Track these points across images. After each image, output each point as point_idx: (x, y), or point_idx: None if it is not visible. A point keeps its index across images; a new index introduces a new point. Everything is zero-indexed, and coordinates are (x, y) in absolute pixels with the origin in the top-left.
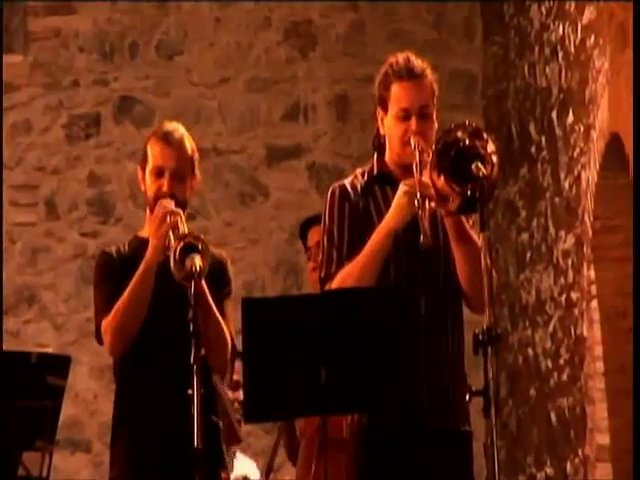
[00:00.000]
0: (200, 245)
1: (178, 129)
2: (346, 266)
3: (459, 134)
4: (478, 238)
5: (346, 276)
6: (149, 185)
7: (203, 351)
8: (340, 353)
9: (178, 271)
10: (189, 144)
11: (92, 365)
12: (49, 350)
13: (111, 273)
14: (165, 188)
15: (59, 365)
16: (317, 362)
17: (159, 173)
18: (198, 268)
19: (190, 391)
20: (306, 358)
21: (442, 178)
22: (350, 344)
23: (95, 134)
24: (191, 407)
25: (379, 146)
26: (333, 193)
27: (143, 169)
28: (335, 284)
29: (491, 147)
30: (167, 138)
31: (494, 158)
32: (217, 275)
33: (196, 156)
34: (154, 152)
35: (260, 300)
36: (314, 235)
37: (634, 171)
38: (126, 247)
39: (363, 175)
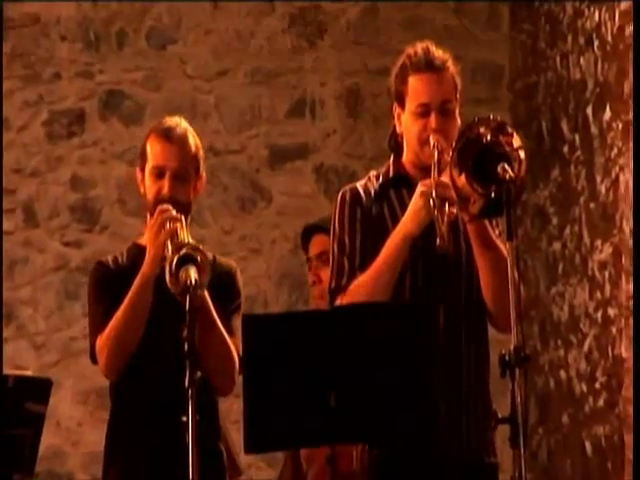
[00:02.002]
0: (199, 257)
1: (180, 124)
2: (358, 277)
3: (482, 129)
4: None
5: (359, 288)
6: (148, 187)
7: (199, 373)
8: (352, 375)
9: (174, 285)
10: (193, 141)
11: (76, 389)
12: (28, 373)
13: (107, 286)
14: (166, 190)
15: (39, 389)
16: (326, 385)
17: (159, 174)
18: (193, 281)
19: (185, 418)
20: (314, 381)
21: (463, 177)
22: (363, 365)
23: (79, 132)
24: (186, 435)
25: (396, 146)
26: (344, 197)
27: (142, 169)
28: (347, 297)
29: (517, 142)
30: (168, 134)
31: (521, 154)
32: (224, 287)
33: (201, 154)
34: (154, 150)
35: (262, 317)
36: (316, 245)
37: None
38: (124, 256)
39: (378, 178)
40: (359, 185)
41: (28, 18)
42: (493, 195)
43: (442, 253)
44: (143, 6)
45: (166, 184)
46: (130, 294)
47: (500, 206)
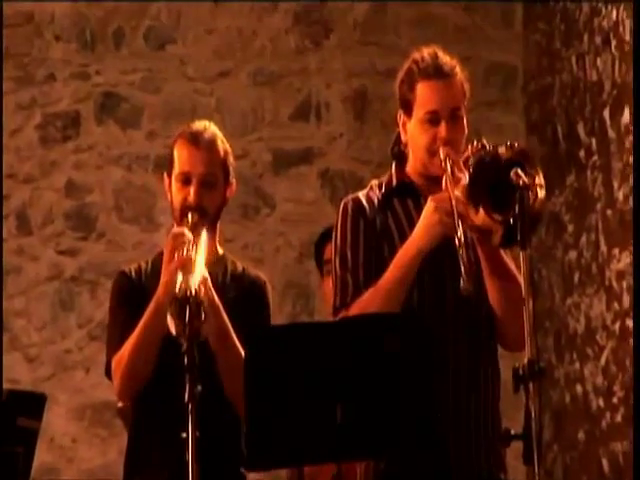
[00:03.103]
0: (196, 301)
1: (209, 129)
2: (365, 293)
3: (501, 150)
4: (513, 259)
5: (366, 304)
6: (175, 194)
7: (199, 388)
8: (359, 389)
9: (177, 331)
10: (222, 146)
11: (70, 404)
12: (20, 387)
13: (126, 298)
14: (192, 198)
15: (32, 404)
16: (332, 400)
17: (186, 180)
18: (193, 291)
19: (184, 434)
20: (319, 395)
21: (481, 211)
22: (370, 379)
23: (74, 136)
24: (187, 453)
25: (399, 155)
26: (345, 208)
27: (169, 175)
28: (352, 314)
29: (540, 179)
30: (195, 139)
31: (541, 193)
32: (251, 300)
33: (230, 160)
34: (180, 156)
35: (265, 328)
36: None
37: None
38: (148, 265)
39: (380, 187)
40: (361, 195)
41: (21, 17)
42: (512, 222)
43: (465, 295)
44: (141, 4)
45: (192, 191)
46: (144, 319)
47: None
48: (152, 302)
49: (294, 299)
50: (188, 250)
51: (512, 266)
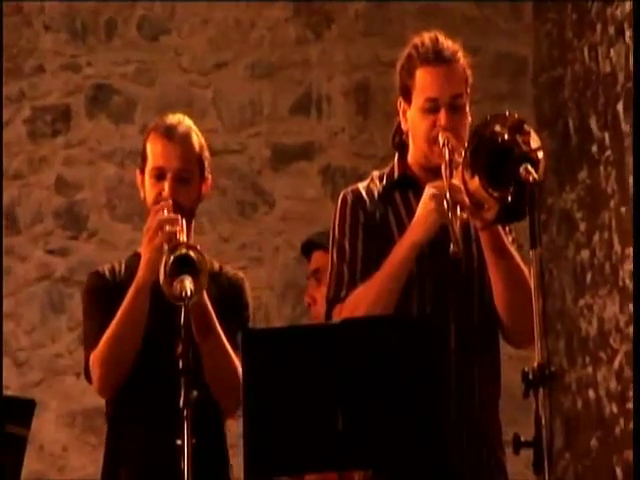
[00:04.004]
0: (195, 256)
1: (183, 122)
2: (360, 287)
3: (497, 128)
4: (521, 259)
5: (359, 300)
6: (148, 190)
7: (195, 393)
8: (361, 396)
9: (168, 289)
10: (197, 140)
11: (61, 411)
12: (8, 392)
13: (102, 298)
14: (167, 193)
15: (21, 411)
16: (333, 406)
17: (160, 175)
18: (188, 293)
19: (179, 441)
20: (320, 401)
21: (476, 180)
22: (372, 385)
23: (64, 131)
24: (182, 460)
25: (401, 144)
26: (344, 200)
27: (142, 171)
28: (346, 309)
29: (535, 142)
30: (169, 133)
31: (539, 155)
32: (231, 300)
33: (206, 154)
34: (154, 150)
35: (263, 331)
36: (314, 261)
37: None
38: (122, 266)
39: (381, 179)
40: (361, 186)
41: (9, 6)
42: (510, 199)
43: (455, 259)
44: None
45: (167, 186)
46: (124, 303)
47: (517, 211)
48: (133, 285)
49: (294, 301)
50: (172, 225)
51: (517, 256)
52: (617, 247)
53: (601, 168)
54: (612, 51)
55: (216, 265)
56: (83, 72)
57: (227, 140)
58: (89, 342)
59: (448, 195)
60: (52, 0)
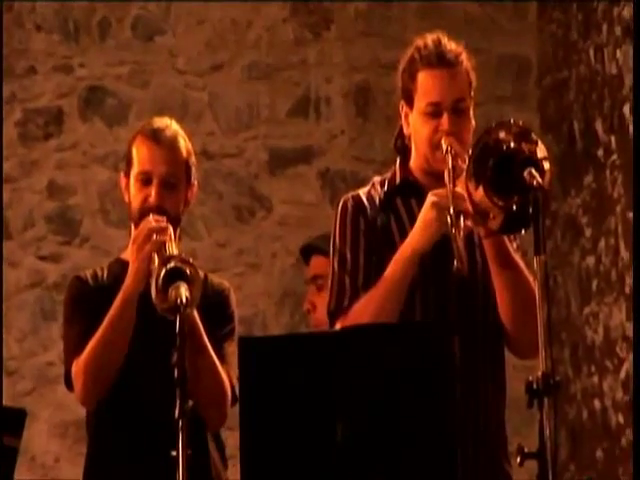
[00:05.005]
0: (188, 270)
1: (170, 126)
2: (362, 297)
3: (502, 135)
4: (526, 265)
5: (362, 310)
6: (134, 195)
7: (191, 403)
8: (361, 406)
9: (161, 302)
10: (184, 144)
11: (52, 421)
12: None
13: (85, 304)
14: (153, 198)
15: (11, 421)
16: (332, 417)
17: (146, 180)
18: (184, 300)
19: (174, 452)
20: (318, 412)
21: (480, 190)
22: (373, 394)
23: (56, 133)
24: (175, 472)
25: (402, 149)
26: (345, 206)
27: (127, 175)
28: (348, 320)
29: (542, 152)
30: (156, 137)
31: (546, 165)
32: (216, 310)
33: (193, 160)
34: (140, 154)
35: (260, 340)
36: (313, 266)
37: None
38: (104, 272)
39: (382, 185)
40: (362, 193)
41: None
42: (515, 208)
43: (459, 275)
44: None
45: (153, 191)
46: (111, 312)
47: (523, 220)
48: (120, 294)
49: (292, 308)
50: (161, 234)
51: (521, 263)
52: (623, 253)
53: (607, 172)
54: (619, 52)
55: (201, 273)
56: (76, 73)
57: (223, 143)
58: (71, 349)
59: (451, 204)
60: (43, 0)
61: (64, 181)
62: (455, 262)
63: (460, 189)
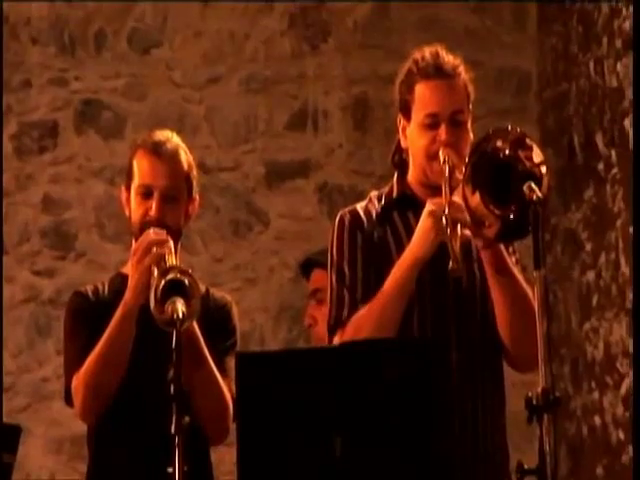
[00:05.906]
0: (188, 281)
1: (171, 139)
2: (360, 311)
3: (499, 143)
4: (525, 280)
5: (361, 323)
6: (134, 208)
7: (187, 419)
8: (359, 420)
9: (160, 314)
10: (185, 158)
11: (48, 437)
12: None
13: (85, 319)
14: (153, 212)
15: (6, 437)
16: (331, 431)
17: (147, 193)
18: (180, 315)
19: (171, 469)
20: (317, 426)
21: (477, 196)
22: (372, 409)
23: (51, 147)
24: None
25: (400, 162)
26: (342, 221)
27: (128, 188)
28: (348, 333)
29: (538, 156)
30: (157, 150)
31: (543, 170)
32: (218, 324)
33: (194, 173)
34: (141, 167)
35: (258, 355)
36: (313, 280)
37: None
38: (105, 287)
39: (380, 199)
40: (359, 207)
41: None
42: (512, 217)
43: (455, 277)
44: (124, 5)
45: (154, 205)
46: (111, 326)
47: (520, 229)
48: (120, 308)
49: (290, 323)
50: (161, 247)
51: (520, 277)
52: (624, 269)
53: (608, 187)
54: (619, 65)
55: (202, 287)
56: (71, 86)
57: (220, 157)
58: (71, 364)
59: (447, 212)
60: (39, 11)
61: (59, 195)
62: (450, 263)
63: (457, 199)
